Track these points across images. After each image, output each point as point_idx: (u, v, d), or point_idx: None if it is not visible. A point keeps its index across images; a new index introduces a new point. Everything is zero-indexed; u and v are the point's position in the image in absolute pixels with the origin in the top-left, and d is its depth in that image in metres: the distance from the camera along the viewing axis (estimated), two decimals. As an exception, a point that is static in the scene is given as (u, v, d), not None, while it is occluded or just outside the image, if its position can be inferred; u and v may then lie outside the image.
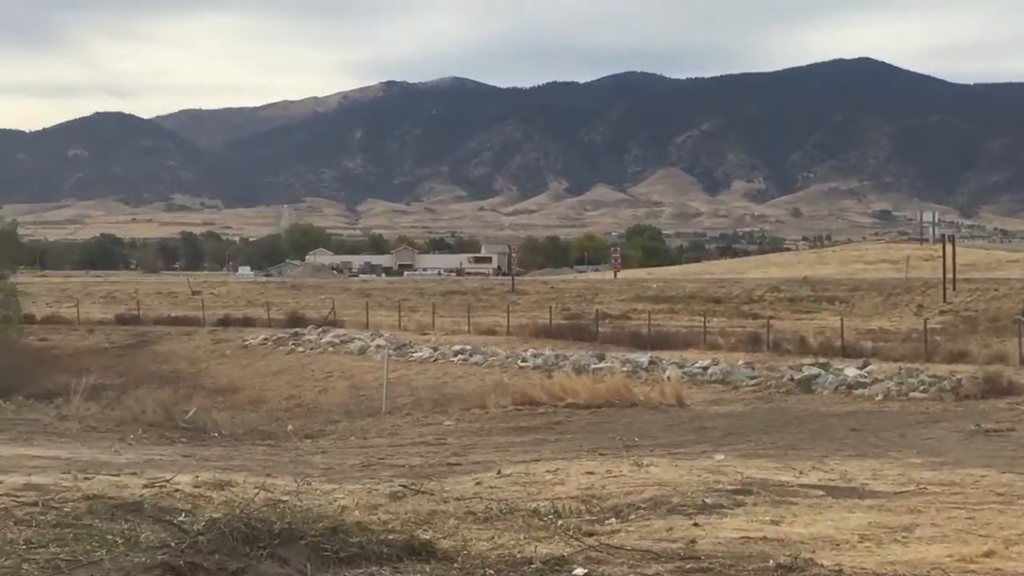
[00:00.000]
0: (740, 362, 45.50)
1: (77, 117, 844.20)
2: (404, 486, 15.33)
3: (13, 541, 10.99)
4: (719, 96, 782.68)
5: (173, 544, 10.23)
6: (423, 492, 14.84)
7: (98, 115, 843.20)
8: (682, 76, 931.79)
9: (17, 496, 13.65)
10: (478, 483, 16.01)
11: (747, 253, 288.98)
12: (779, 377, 40.58)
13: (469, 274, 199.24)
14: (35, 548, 10.74)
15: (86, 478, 15.40)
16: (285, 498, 13.75)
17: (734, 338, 54.85)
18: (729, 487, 14.91)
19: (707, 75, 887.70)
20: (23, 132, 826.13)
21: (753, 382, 40.76)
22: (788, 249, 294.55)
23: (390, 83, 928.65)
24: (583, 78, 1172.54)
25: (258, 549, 10.04)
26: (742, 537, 11.52)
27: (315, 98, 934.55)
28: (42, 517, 12.16)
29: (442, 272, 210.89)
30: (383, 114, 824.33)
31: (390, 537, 10.93)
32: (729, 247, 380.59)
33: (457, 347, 58.23)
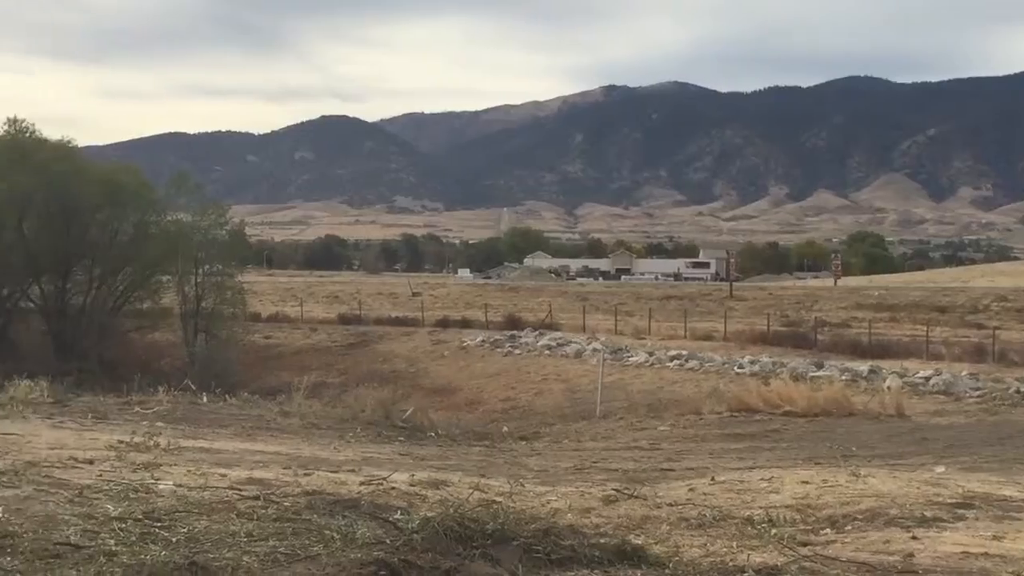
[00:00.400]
0: (964, 373, 44.33)
1: (305, 120, 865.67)
2: (617, 490, 15.28)
3: (235, 533, 11.29)
4: (945, 100, 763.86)
5: (388, 541, 10.39)
6: (636, 497, 14.78)
7: (325, 118, 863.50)
8: (907, 80, 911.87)
9: (240, 490, 14.03)
10: (691, 489, 15.88)
11: (973, 261, 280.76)
12: (1005, 389, 39.40)
13: (687, 279, 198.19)
14: (256, 541, 11.02)
15: (306, 474, 15.74)
16: (499, 499, 13.83)
17: (958, 348, 53.44)
18: (949, 500, 14.48)
19: (933, 79, 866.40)
20: (253, 134, 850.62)
21: (977, 394, 39.65)
22: (1017, 258, 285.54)
23: (610, 87, 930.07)
24: (806, 82, 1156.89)
25: (471, 549, 10.12)
26: (962, 552, 11.18)
27: (535, 102, 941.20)
28: (263, 511, 12.46)
29: (659, 277, 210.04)
30: (603, 118, 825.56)
31: (602, 541, 10.91)
32: (954, 255, 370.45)
33: (673, 352, 57.91)
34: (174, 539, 10.92)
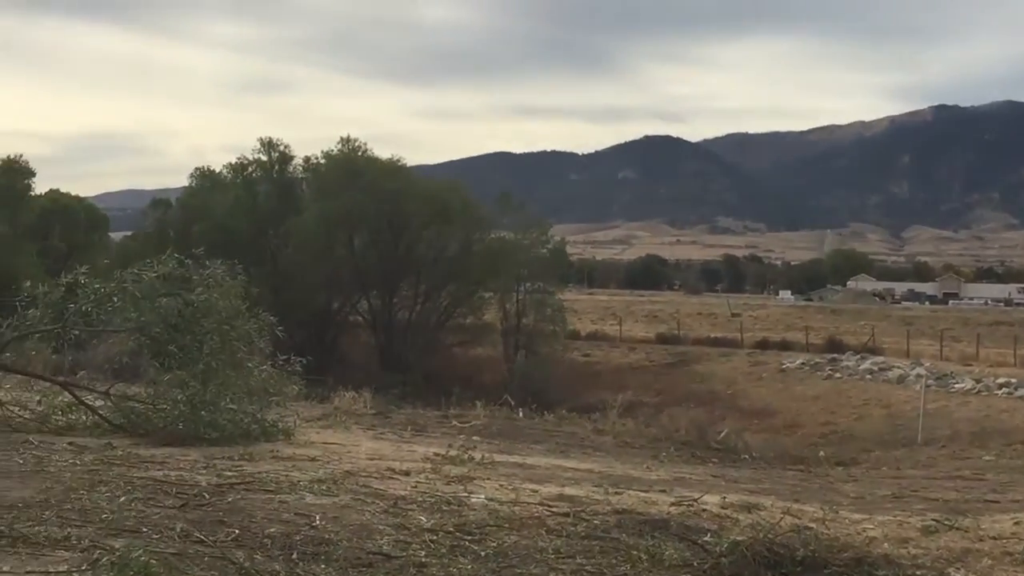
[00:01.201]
0: None
1: (627, 140, 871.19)
2: (937, 520, 14.71)
3: (543, 550, 11.34)
4: None
5: (695, 564, 10.25)
6: (957, 528, 14.18)
7: (648, 138, 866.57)
8: None
9: (550, 506, 14.10)
10: (1017, 523, 15.12)
11: None
12: None
13: (1018, 304, 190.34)
14: (563, 558, 11.04)
15: (616, 492, 15.69)
16: (812, 525, 13.47)
17: None
18: None
19: None
20: (576, 155, 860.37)
21: None
22: None
23: (940, 107, 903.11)
24: None
25: (779, 575, 9.89)
26: None
27: (861, 122, 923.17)
28: (572, 528, 12.48)
29: (989, 302, 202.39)
30: (932, 139, 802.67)
31: (918, 573, 10.51)
32: None
33: (1002, 380, 55.70)
34: (483, 553, 11.04)
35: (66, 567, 9.75)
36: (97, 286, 19.07)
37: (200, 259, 19.40)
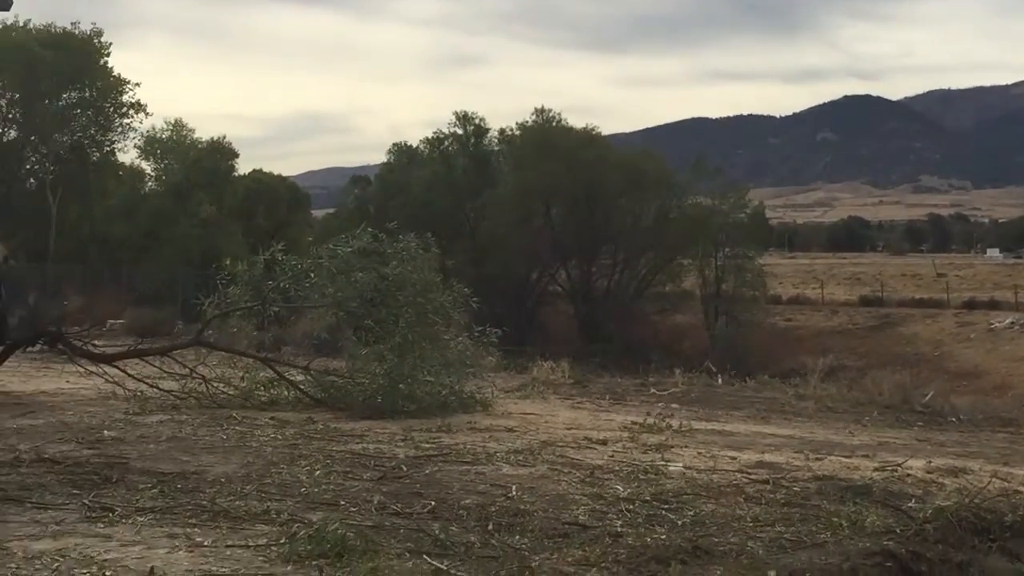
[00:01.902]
0: None
1: (825, 101, 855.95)
2: None
3: (741, 518, 11.14)
4: None
5: (898, 531, 9.95)
6: None
7: (846, 98, 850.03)
8: None
9: (749, 473, 13.88)
10: None
11: None
12: None
13: None
14: (761, 526, 10.83)
15: (817, 458, 15.39)
16: (1021, 489, 13.02)
17: None
18: None
19: None
20: (774, 117, 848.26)
21: None
22: None
23: None
24: None
25: (987, 541, 9.54)
26: None
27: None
28: (771, 495, 12.26)
29: None
30: None
31: None
32: None
33: None
34: (680, 522, 10.89)
35: (265, 540, 9.89)
36: (294, 263, 19.42)
37: (394, 233, 19.57)
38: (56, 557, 9.21)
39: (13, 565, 8.96)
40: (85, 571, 8.85)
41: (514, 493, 12.20)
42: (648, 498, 11.99)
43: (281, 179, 71.86)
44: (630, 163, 69.39)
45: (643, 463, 14.21)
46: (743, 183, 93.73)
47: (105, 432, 15.60)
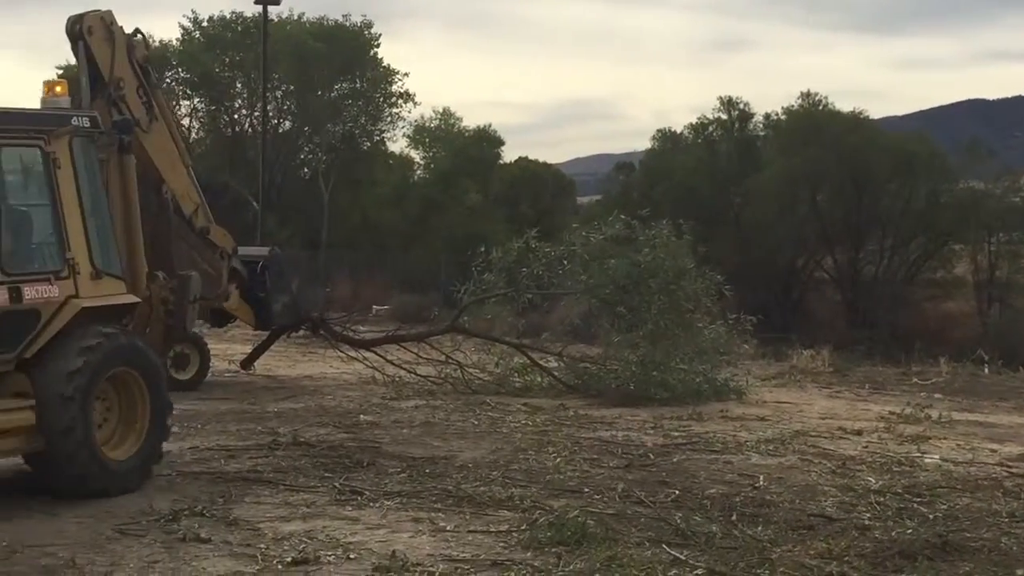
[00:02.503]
0: None
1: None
2: None
3: (997, 513, 10.79)
4: None
5: None
6: None
7: None
8: None
9: (1010, 467, 13.40)
10: None
11: None
12: None
13: None
14: (1018, 522, 10.47)
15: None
16: None
17: None
18: None
19: None
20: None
21: None
22: None
23: None
24: None
25: None
26: None
27: None
28: (1033, 488, 11.85)
29: None
30: None
31: None
32: None
33: None
34: (931, 516, 10.61)
35: (506, 526, 10.01)
36: (548, 250, 19.55)
37: (646, 220, 19.51)
38: (303, 539, 9.50)
39: (262, 546, 9.27)
40: (330, 553, 9.11)
41: (761, 483, 12.05)
42: (900, 491, 11.69)
43: (546, 166, 72.37)
44: (899, 147, 67.60)
45: (898, 455, 13.84)
46: (1021, 167, 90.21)
47: (361, 416, 16.03)
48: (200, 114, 56.14)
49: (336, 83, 56.31)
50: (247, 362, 20.52)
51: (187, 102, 55.26)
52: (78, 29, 12.56)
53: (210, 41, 54.37)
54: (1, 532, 9.45)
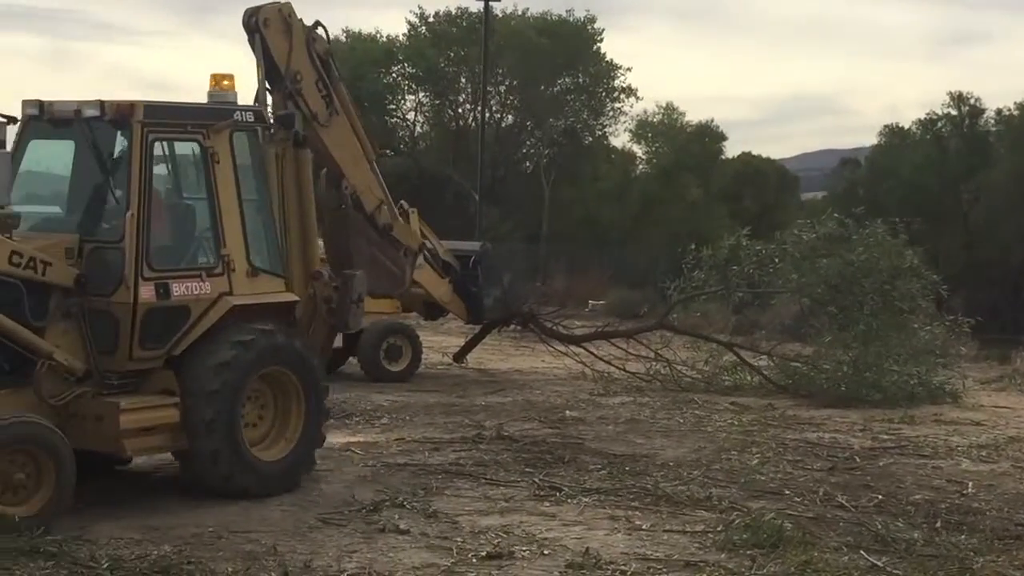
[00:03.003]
0: None
1: None
2: None
3: None
4: None
5: None
6: None
7: None
8: None
9: None
10: None
11: None
12: None
13: None
14: None
15: None
16: None
17: None
18: None
19: None
20: None
21: None
22: None
23: None
24: None
25: None
26: None
27: None
28: None
29: None
30: None
31: None
32: None
33: None
34: None
35: (702, 527, 9.99)
36: (759, 248, 19.35)
37: (860, 219, 19.17)
38: (500, 533, 9.64)
39: (459, 539, 9.44)
40: (525, 549, 9.22)
41: (969, 490, 11.78)
42: None
43: (770, 161, 71.39)
44: None
45: None
46: None
47: (567, 412, 16.11)
48: (425, 108, 57.04)
49: (559, 78, 56.52)
50: (459, 355, 20.83)
51: (412, 96, 56.28)
52: (254, 22, 12.13)
53: (435, 36, 55.22)
54: (208, 517, 9.83)
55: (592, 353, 19.62)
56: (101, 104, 10.29)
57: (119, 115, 10.26)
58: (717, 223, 53.36)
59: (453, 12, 55.23)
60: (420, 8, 55.58)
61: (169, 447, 10.55)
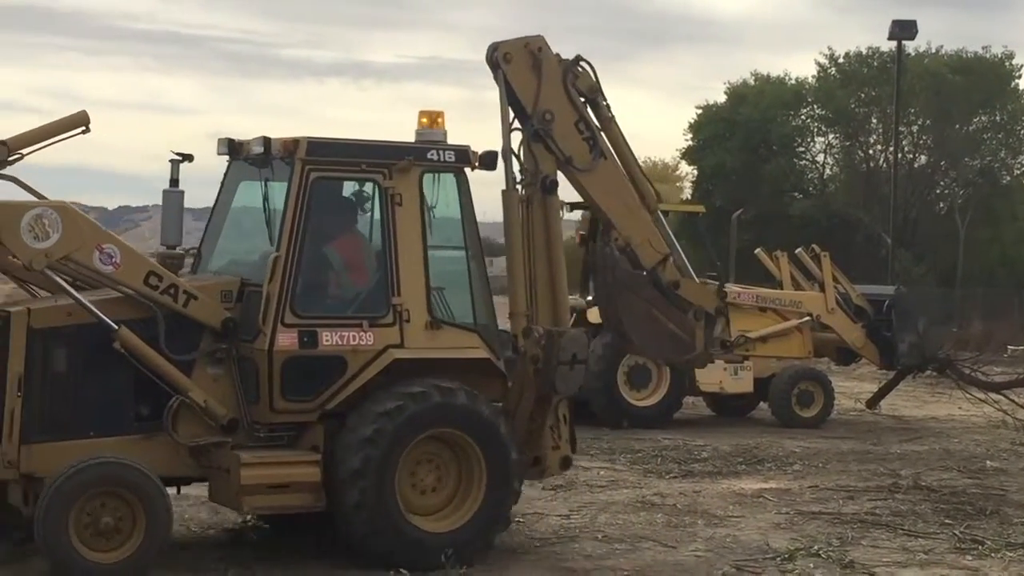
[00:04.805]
0: None
1: None
2: None
3: None
4: None
5: None
6: None
7: None
8: None
9: None
10: None
11: None
12: None
13: None
14: None
15: None
16: None
17: None
18: None
19: None
20: None
21: None
22: None
23: None
24: None
25: None
26: None
27: None
28: None
29: None
30: None
31: None
32: None
33: None
34: None
35: None
36: None
37: None
38: (917, 587, 9.43)
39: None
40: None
41: None
42: None
43: None
44: None
45: None
46: None
47: (987, 462, 15.61)
48: (834, 150, 56.54)
49: (975, 116, 54.87)
50: (873, 401, 20.48)
51: (821, 138, 55.96)
52: (496, 57, 11.09)
53: (846, 77, 54.67)
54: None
55: (1013, 401, 18.85)
56: (265, 141, 10.01)
57: (284, 152, 9.93)
58: None
59: (864, 52, 54.59)
60: (830, 49, 55.31)
61: (298, 507, 9.79)
